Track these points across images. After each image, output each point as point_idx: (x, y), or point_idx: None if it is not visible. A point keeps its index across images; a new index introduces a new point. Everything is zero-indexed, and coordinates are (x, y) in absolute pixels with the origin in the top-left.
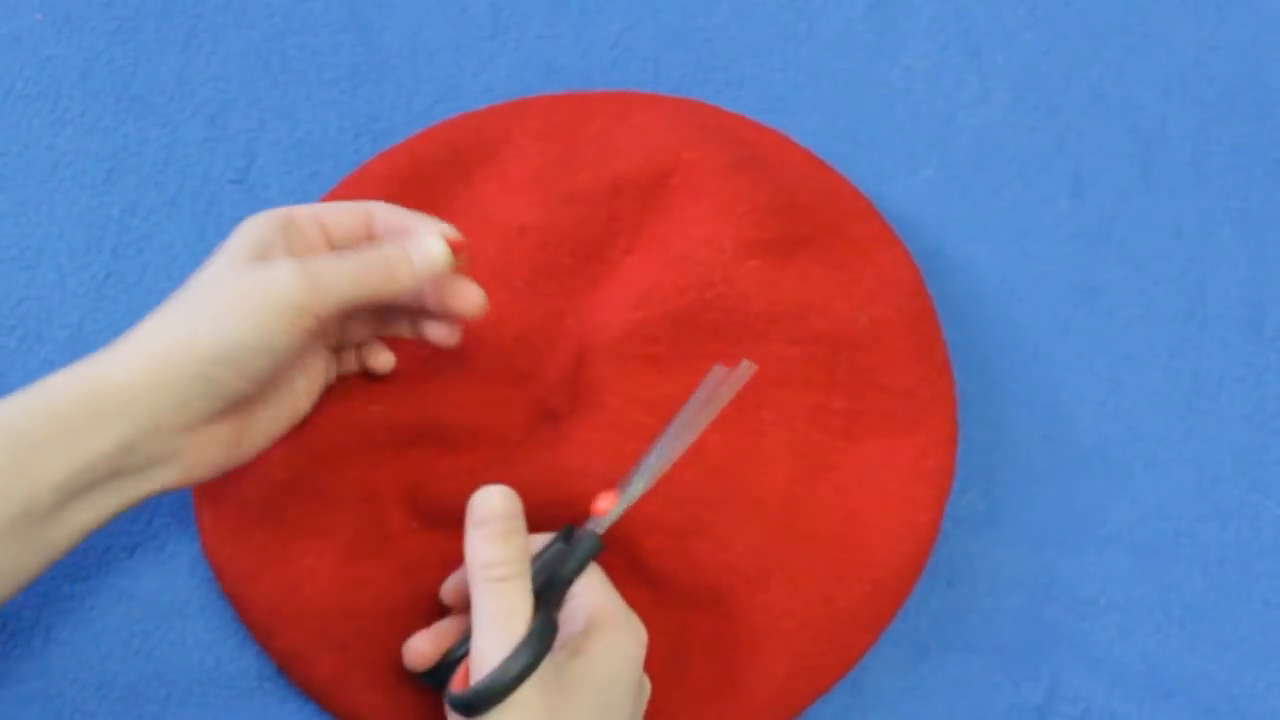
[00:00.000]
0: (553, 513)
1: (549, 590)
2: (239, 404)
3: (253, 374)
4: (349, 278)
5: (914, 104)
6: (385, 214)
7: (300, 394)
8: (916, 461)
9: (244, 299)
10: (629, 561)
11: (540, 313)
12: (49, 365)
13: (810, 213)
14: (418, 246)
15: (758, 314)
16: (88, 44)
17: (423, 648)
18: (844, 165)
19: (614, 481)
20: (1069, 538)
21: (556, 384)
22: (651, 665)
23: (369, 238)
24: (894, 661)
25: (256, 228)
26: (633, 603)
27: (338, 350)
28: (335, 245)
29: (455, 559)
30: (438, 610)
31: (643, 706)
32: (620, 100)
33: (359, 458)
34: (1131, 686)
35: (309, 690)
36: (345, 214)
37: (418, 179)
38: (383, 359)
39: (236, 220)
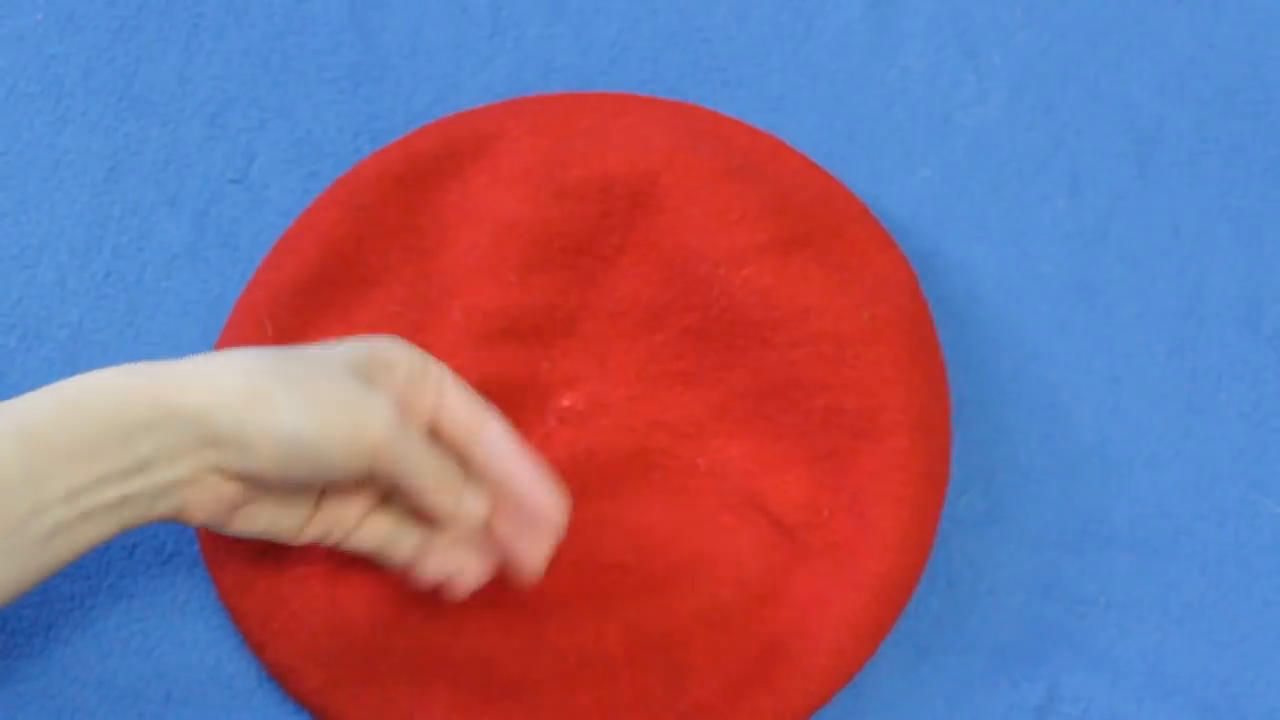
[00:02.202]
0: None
1: None
2: (258, 483)
3: (288, 471)
4: (419, 464)
5: (911, 104)
6: (496, 441)
7: (318, 521)
8: (915, 462)
9: (336, 404)
10: (633, 565)
11: (530, 306)
12: (49, 364)
13: (806, 216)
14: (475, 498)
15: (759, 320)
16: (89, 43)
17: None
18: (841, 165)
19: None
20: (1069, 538)
21: (556, 385)
22: (650, 680)
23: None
24: (894, 662)
25: (389, 352)
26: (630, 617)
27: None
28: (435, 431)
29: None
30: (426, 626)
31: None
32: (615, 100)
33: None
34: (1131, 686)
35: (300, 702)
36: (467, 408)
37: (412, 175)
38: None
39: (236, 219)
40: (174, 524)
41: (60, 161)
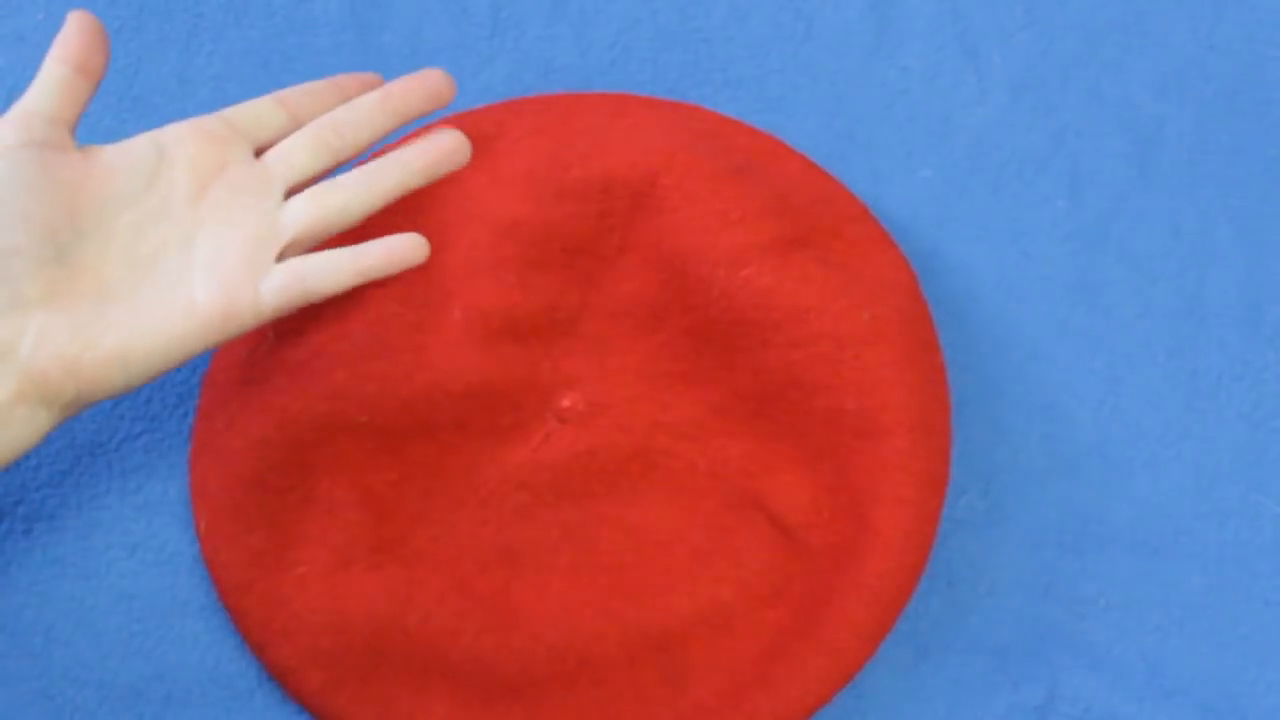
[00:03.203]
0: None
1: None
2: (57, 279)
3: (9, 220)
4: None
5: (911, 104)
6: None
7: (173, 291)
8: (915, 462)
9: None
10: (633, 565)
11: (530, 307)
12: None
13: (806, 216)
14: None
15: (759, 321)
16: None
17: None
18: (841, 166)
19: None
20: (1069, 538)
21: (557, 385)
22: (650, 680)
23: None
24: (894, 663)
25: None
26: (630, 617)
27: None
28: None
29: (449, 568)
30: (426, 626)
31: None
32: (615, 100)
33: (350, 460)
34: (1131, 686)
35: (300, 703)
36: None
37: None
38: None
39: None
40: (174, 524)
41: None
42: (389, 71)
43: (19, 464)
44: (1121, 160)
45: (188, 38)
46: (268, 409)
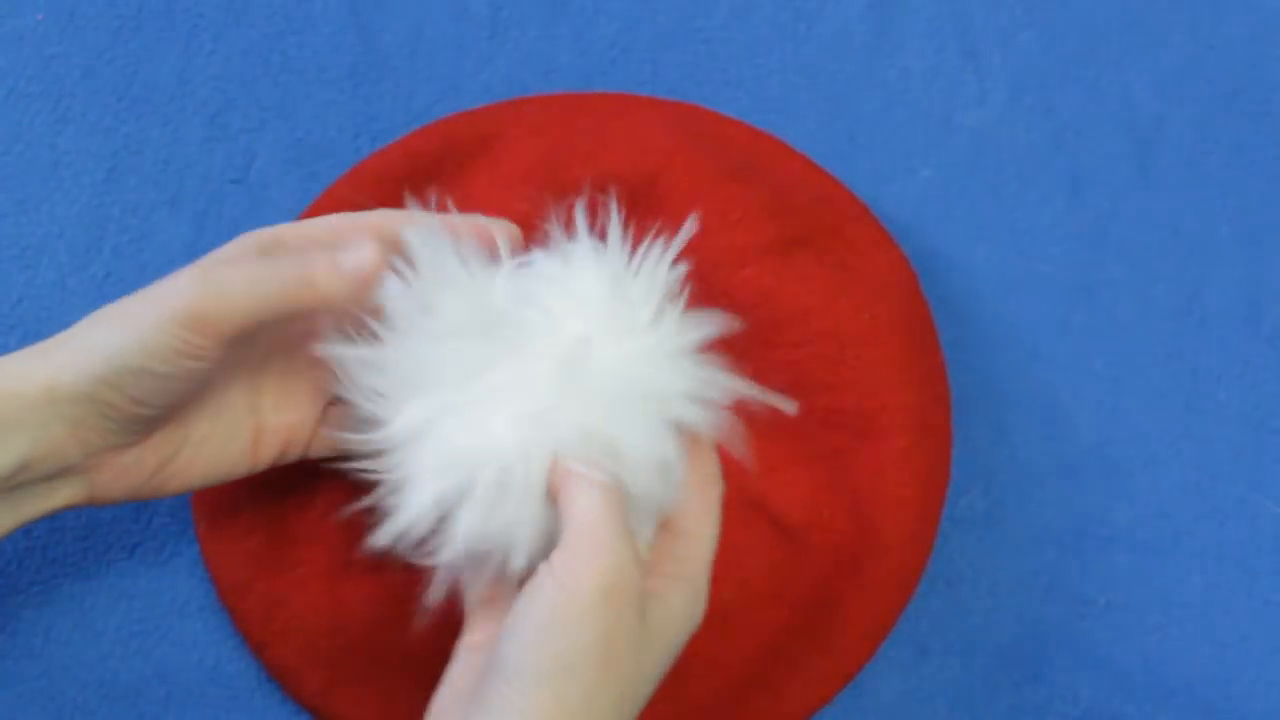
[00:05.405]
0: None
1: None
2: (152, 429)
3: (144, 396)
4: (259, 285)
5: (911, 104)
6: (381, 219)
7: (269, 438)
8: (915, 462)
9: (137, 310)
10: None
11: None
12: None
13: (806, 216)
14: (349, 250)
15: (759, 321)
16: (89, 43)
17: None
18: (841, 166)
19: None
20: (1069, 538)
21: None
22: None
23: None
24: (894, 663)
25: (232, 247)
26: None
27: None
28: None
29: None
30: (426, 627)
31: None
32: (615, 100)
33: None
34: (1131, 686)
35: (300, 703)
36: (344, 228)
37: (411, 176)
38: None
39: (236, 220)
40: (174, 524)
41: (60, 162)
42: (389, 71)
43: None
44: (1121, 160)
45: (188, 38)
46: None
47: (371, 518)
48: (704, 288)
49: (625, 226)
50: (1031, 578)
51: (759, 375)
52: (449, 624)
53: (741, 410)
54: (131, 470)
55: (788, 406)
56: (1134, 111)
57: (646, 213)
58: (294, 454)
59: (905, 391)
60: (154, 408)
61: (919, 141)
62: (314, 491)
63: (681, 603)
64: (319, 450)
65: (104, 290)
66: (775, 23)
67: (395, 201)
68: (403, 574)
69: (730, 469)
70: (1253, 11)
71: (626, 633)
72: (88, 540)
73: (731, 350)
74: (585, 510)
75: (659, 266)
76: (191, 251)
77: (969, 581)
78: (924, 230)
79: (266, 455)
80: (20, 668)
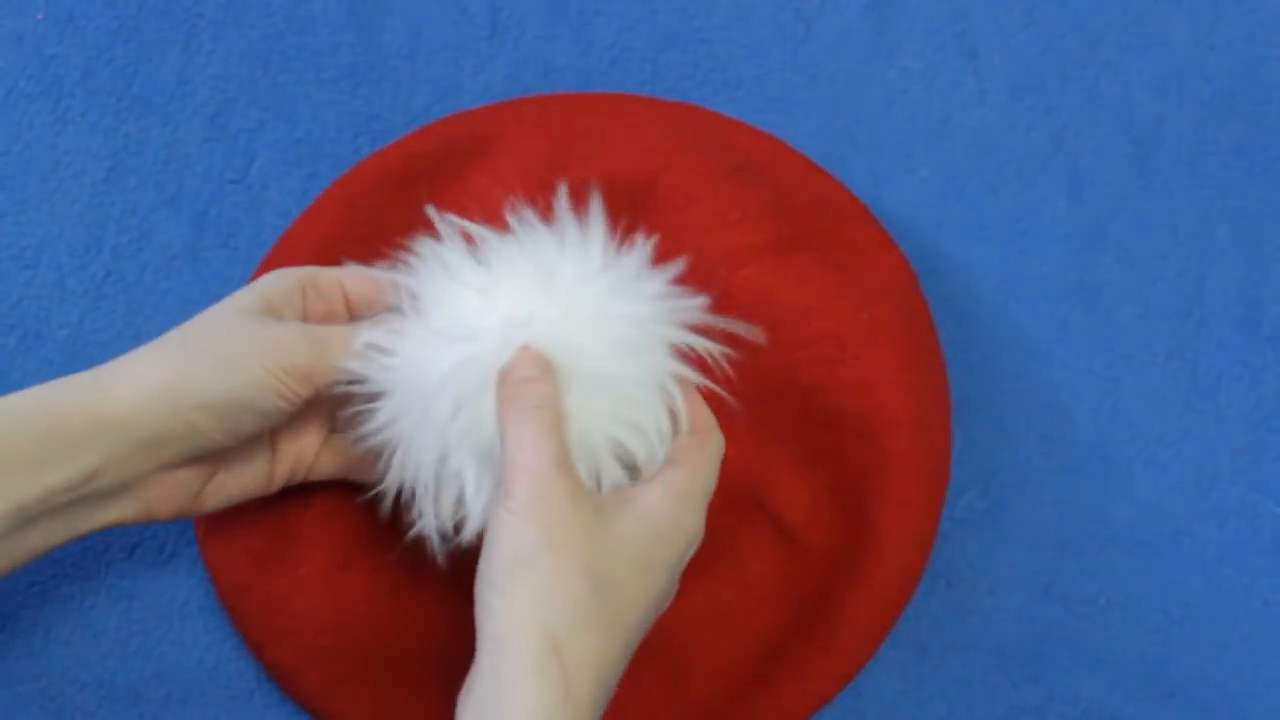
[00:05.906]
0: None
1: None
2: (213, 455)
3: (236, 429)
4: (347, 352)
5: (911, 104)
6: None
7: (282, 462)
8: (915, 462)
9: (247, 353)
10: None
11: None
12: (48, 365)
13: (806, 216)
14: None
15: (759, 321)
16: (89, 43)
17: None
18: (841, 166)
19: None
20: (1069, 538)
21: None
22: (650, 680)
23: (386, 309)
24: (894, 662)
25: (277, 283)
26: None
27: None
28: (354, 312)
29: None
30: (425, 626)
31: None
32: (615, 100)
33: None
34: (1131, 686)
35: (299, 703)
36: (368, 282)
37: (411, 176)
38: None
39: (236, 219)
40: (173, 524)
41: (60, 161)
42: (389, 71)
43: None
44: (1120, 160)
45: (188, 38)
46: None
47: (371, 517)
48: (704, 288)
49: (614, 227)
50: (1031, 578)
51: (759, 375)
52: (448, 624)
53: (742, 411)
54: (180, 491)
55: (754, 334)
56: (1133, 112)
57: (646, 213)
58: (299, 477)
59: (905, 392)
60: (236, 439)
61: (918, 141)
62: (313, 493)
63: (658, 502)
64: (320, 473)
65: (103, 290)
66: (775, 23)
67: (395, 201)
68: (402, 574)
69: (731, 469)
70: (1252, 12)
71: (572, 525)
72: (88, 540)
73: (740, 356)
74: (514, 439)
75: (598, 227)
76: (191, 251)
77: (969, 581)
78: (923, 230)
79: (280, 478)
80: (20, 668)
